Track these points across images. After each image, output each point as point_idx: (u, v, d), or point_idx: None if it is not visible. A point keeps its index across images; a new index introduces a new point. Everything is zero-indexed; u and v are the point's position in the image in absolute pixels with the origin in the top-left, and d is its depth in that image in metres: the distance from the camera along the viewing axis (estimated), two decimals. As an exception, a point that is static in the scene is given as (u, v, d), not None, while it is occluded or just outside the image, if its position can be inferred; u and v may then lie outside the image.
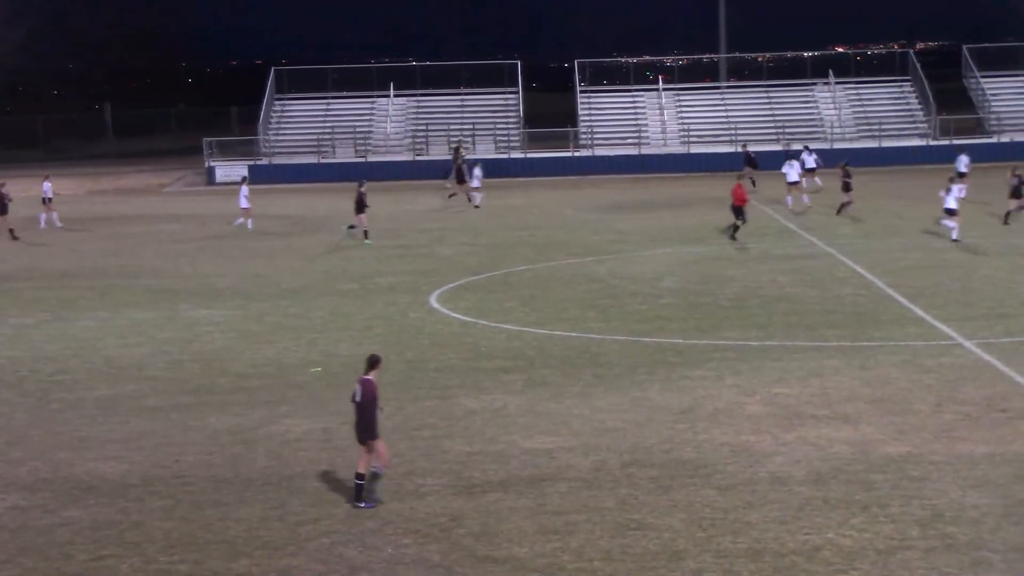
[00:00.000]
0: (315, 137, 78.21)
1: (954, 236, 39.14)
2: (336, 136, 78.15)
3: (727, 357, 24.63)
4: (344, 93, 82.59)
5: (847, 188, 46.59)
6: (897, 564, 14.29)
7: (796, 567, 14.29)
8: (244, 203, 48.38)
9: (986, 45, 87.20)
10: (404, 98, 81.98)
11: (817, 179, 56.36)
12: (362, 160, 76.16)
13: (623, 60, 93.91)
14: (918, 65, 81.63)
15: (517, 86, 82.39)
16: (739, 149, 63.93)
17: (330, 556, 15.00)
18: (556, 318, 29.23)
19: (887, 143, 74.47)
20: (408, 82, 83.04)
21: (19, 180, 78.10)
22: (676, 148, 76.17)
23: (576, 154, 76.20)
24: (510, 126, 79.52)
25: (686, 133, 77.35)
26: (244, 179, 51.16)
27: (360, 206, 43.22)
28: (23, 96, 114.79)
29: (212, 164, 76.31)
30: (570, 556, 14.77)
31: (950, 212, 39.42)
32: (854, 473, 17.36)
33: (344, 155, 77.19)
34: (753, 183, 57.79)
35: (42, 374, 25.04)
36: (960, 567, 14.18)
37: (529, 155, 76.07)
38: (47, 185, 51.71)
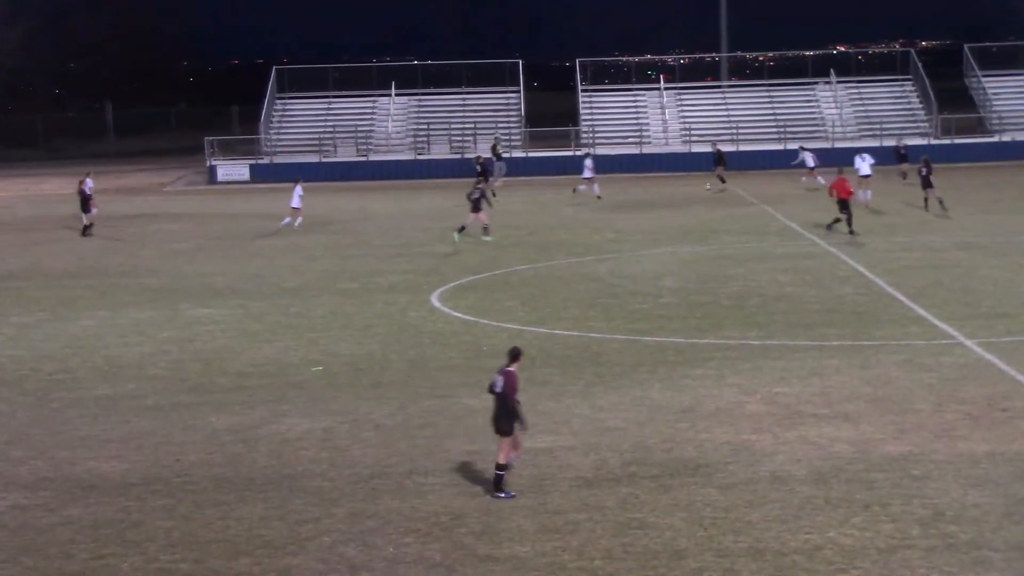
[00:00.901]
0: (316, 136, 78.22)
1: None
2: (337, 135, 78.16)
3: (728, 356, 24.62)
4: (345, 92, 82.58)
5: (928, 184, 46.52)
6: (898, 563, 14.28)
7: (797, 566, 14.27)
8: (296, 202, 47.68)
9: (987, 44, 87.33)
10: (405, 97, 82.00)
11: (819, 178, 56.37)
12: (363, 159, 76.22)
13: (624, 59, 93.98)
14: (919, 64, 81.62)
15: (518, 85, 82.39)
16: (711, 148, 63.86)
17: (331, 555, 14.99)
18: (557, 317, 29.22)
19: (888, 142, 74.41)
20: (409, 81, 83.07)
21: (19, 180, 78.26)
22: (677, 147, 76.17)
23: (577, 153, 76.16)
24: (511, 125, 79.51)
25: (687, 132, 77.35)
26: (298, 179, 50.88)
27: (476, 205, 42.67)
28: (23, 96, 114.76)
29: (213, 163, 76.32)
30: (571, 555, 14.76)
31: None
32: (855, 472, 17.34)
33: (345, 154, 77.24)
34: (722, 180, 58.11)
35: (42, 373, 25.03)
36: (961, 566, 14.16)
37: (530, 154, 76.05)
38: (89, 183, 51.97)
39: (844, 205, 41.12)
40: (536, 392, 22.23)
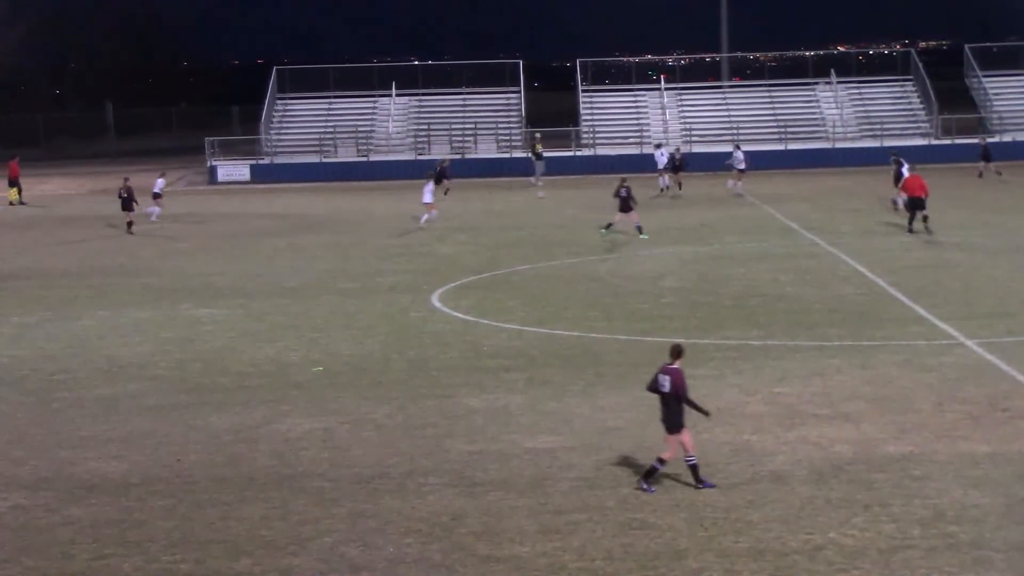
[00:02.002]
0: (317, 136, 78.23)
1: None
2: (338, 135, 78.17)
3: (729, 356, 24.62)
4: (346, 92, 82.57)
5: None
6: (899, 563, 14.28)
7: (798, 566, 14.27)
8: (428, 198, 47.41)
9: (988, 44, 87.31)
10: (406, 97, 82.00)
11: (738, 183, 56.30)
12: (364, 160, 76.23)
13: (625, 59, 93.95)
14: (920, 64, 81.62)
15: (519, 85, 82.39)
16: (673, 151, 63.69)
17: (332, 555, 14.99)
18: (558, 317, 29.22)
19: (889, 142, 74.41)
20: (410, 81, 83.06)
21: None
22: (678, 146, 76.10)
23: (578, 153, 76.21)
24: (512, 125, 79.50)
25: (688, 132, 77.35)
26: (430, 174, 50.78)
27: (625, 204, 42.48)
28: (23, 96, 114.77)
29: (214, 163, 76.33)
30: (572, 555, 14.76)
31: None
32: (856, 472, 17.34)
33: (346, 154, 77.24)
34: (680, 186, 58.06)
35: (43, 373, 25.03)
36: (962, 566, 14.16)
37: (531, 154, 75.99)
38: (160, 181, 52.18)
39: (916, 204, 40.89)
40: (537, 392, 22.25)
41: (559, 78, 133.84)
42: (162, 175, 53.97)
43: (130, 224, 48.60)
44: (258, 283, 35.63)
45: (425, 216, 47.65)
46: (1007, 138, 75.17)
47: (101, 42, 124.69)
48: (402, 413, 21.12)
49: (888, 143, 73.69)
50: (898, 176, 46.76)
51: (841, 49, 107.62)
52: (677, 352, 17.09)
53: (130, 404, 22.35)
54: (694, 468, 16.87)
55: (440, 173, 57.99)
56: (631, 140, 77.60)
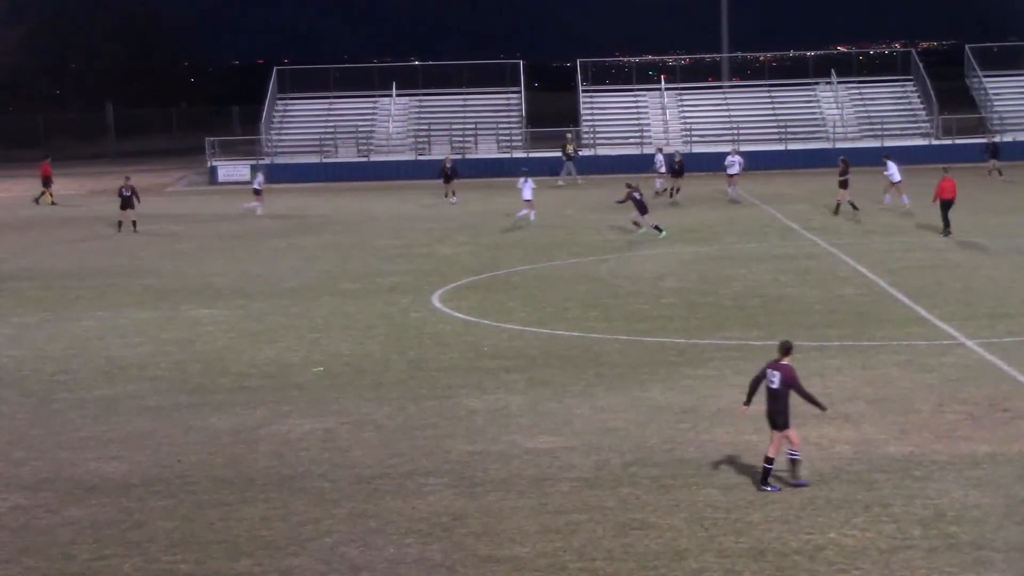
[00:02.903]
0: (317, 137, 78.22)
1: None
2: (338, 136, 78.16)
3: (729, 357, 24.62)
4: (346, 93, 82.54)
5: (844, 186, 46.75)
6: (899, 564, 14.29)
7: (798, 567, 14.28)
8: (528, 195, 47.37)
9: (989, 44, 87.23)
10: (406, 98, 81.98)
11: (734, 187, 56.04)
12: (364, 160, 76.21)
13: (625, 59, 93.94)
14: (920, 64, 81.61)
15: (519, 86, 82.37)
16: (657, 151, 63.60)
17: (332, 556, 14.99)
18: (558, 318, 29.22)
19: (889, 142, 74.40)
20: (410, 82, 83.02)
21: (20, 180, 78.20)
22: (679, 147, 76.02)
23: (578, 153, 76.13)
24: (512, 126, 79.50)
25: (688, 133, 77.35)
26: (525, 172, 50.72)
27: (641, 207, 42.49)
28: (23, 96, 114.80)
29: (214, 164, 76.31)
30: (572, 555, 14.76)
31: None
32: (856, 473, 17.35)
33: (346, 155, 77.21)
34: (677, 191, 57.62)
35: (44, 374, 25.03)
36: (962, 567, 14.17)
37: (531, 155, 76.04)
38: (260, 177, 52.92)
39: (947, 206, 40.61)
40: (537, 393, 22.25)
41: (559, 78, 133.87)
42: (261, 171, 53.96)
43: (134, 223, 48.60)
44: (258, 284, 35.64)
45: (523, 212, 47.47)
46: (1007, 138, 75.05)
47: (101, 42, 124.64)
48: (402, 414, 21.13)
49: (889, 143, 73.73)
50: (844, 176, 46.84)
51: (841, 49, 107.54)
52: (787, 349, 17.12)
53: (130, 405, 22.35)
54: (795, 463, 16.86)
55: (450, 173, 57.79)
56: (631, 140, 77.54)
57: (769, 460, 16.82)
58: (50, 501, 17.25)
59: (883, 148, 72.03)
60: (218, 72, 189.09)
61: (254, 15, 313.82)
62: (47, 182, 63.33)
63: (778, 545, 14.88)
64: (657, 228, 42.51)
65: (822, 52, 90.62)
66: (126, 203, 48.77)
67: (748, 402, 17.24)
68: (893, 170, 48.09)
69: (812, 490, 16.69)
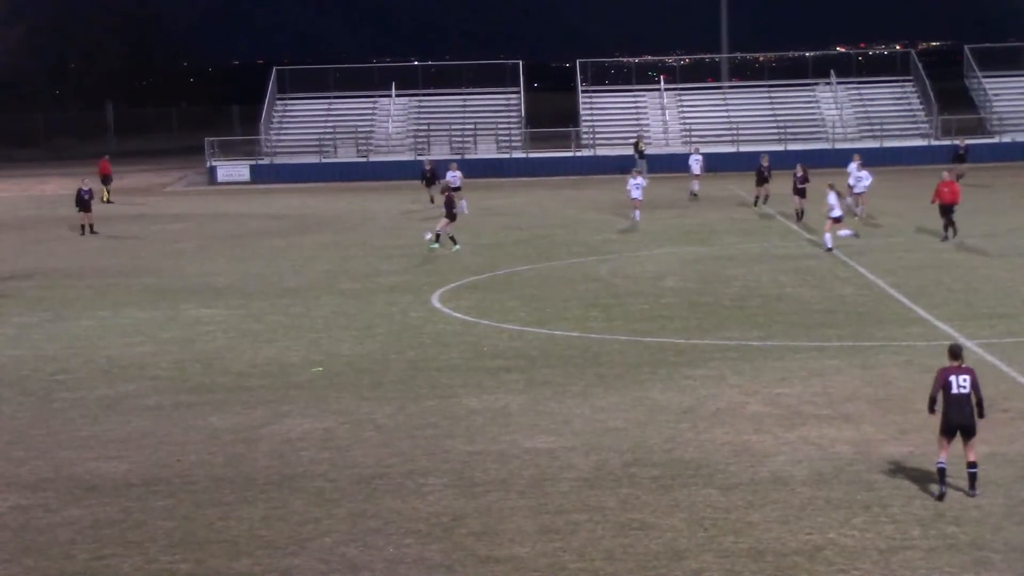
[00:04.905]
0: (317, 137, 78.25)
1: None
2: (338, 136, 78.18)
3: (729, 357, 24.62)
4: (346, 93, 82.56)
5: (801, 193, 45.67)
6: (899, 564, 14.29)
7: (798, 567, 14.28)
8: (637, 193, 46.72)
9: (988, 45, 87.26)
10: (406, 98, 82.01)
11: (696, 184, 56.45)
12: (364, 160, 76.23)
13: (625, 60, 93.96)
14: (920, 65, 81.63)
15: (519, 86, 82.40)
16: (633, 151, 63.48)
17: (332, 556, 15.00)
18: (558, 318, 29.23)
19: (889, 143, 74.44)
20: (410, 82, 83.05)
21: (20, 180, 78.27)
22: (678, 148, 76.16)
23: (578, 154, 76.22)
24: (512, 126, 79.52)
25: (688, 133, 77.38)
26: (637, 171, 50.57)
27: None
28: (23, 96, 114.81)
29: (213, 164, 76.34)
30: (571, 556, 14.77)
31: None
32: (856, 473, 17.36)
33: (346, 155, 77.24)
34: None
35: (44, 373, 25.04)
36: (962, 567, 14.17)
37: (531, 155, 76.10)
38: (455, 174, 52.89)
39: (947, 210, 39.66)
40: (537, 392, 22.26)
41: (559, 78, 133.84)
42: (455, 168, 53.78)
43: (91, 226, 48.71)
44: (258, 283, 35.64)
45: (636, 212, 46.82)
46: (1007, 139, 75.20)
47: (101, 42, 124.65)
48: (402, 413, 21.14)
49: (888, 144, 73.79)
50: (800, 187, 45.71)
51: (841, 50, 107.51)
52: (959, 352, 16.62)
53: (130, 404, 22.36)
54: (976, 475, 16.42)
55: (430, 176, 56.88)
56: (631, 140, 77.54)
57: (973, 464, 16.29)
58: (50, 501, 17.26)
59: (882, 149, 72.27)
60: (218, 72, 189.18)
61: (254, 15, 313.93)
62: (106, 180, 63.71)
63: (777, 545, 14.89)
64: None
65: (821, 52, 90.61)
66: (85, 206, 48.74)
67: (933, 410, 16.55)
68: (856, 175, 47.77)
69: (812, 490, 16.69)
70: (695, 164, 57.60)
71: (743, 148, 73.29)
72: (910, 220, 45.43)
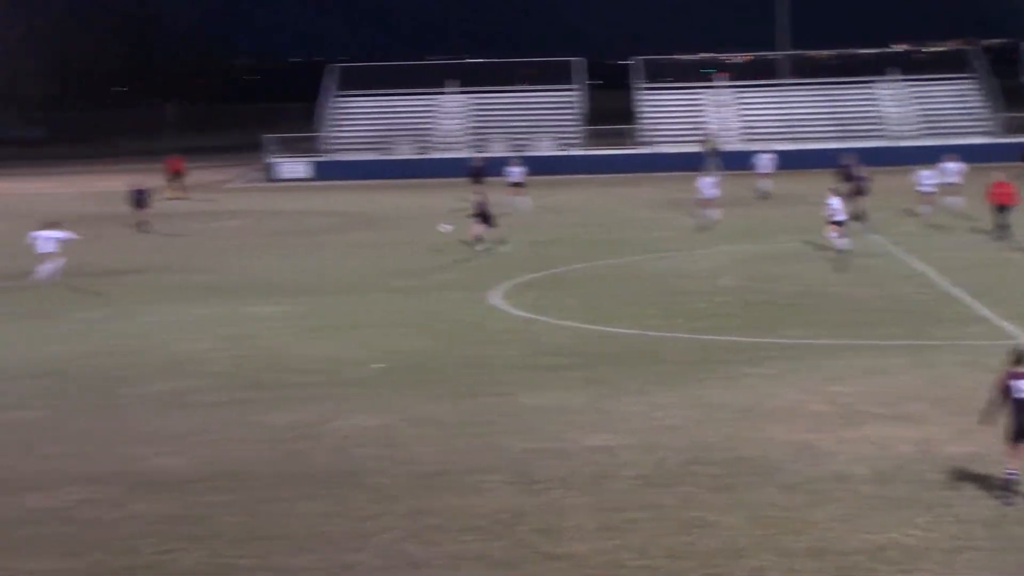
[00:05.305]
0: (375, 134, 78.47)
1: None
2: (396, 133, 78.36)
3: (787, 355, 24.52)
4: (403, 90, 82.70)
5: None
6: (963, 564, 14.19)
7: (859, 566, 14.21)
8: (710, 192, 45.89)
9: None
10: (464, 95, 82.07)
11: (766, 183, 56.18)
12: (422, 157, 76.36)
13: (683, 57, 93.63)
14: (982, 62, 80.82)
15: (578, 83, 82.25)
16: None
17: (392, 551, 15.07)
18: (615, 315, 29.21)
19: (950, 141, 73.71)
20: (468, 79, 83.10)
21: (80, 177, 78.95)
22: (737, 145, 75.78)
23: (636, 151, 76.03)
24: (571, 123, 79.39)
25: (747, 130, 77.03)
26: (708, 171, 50.78)
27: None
28: (89, 93, 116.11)
29: (272, 160, 76.72)
30: (631, 553, 14.77)
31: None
32: (918, 472, 17.24)
33: (404, 152, 77.41)
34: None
35: (107, 369, 25.29)
36: (1026, 568, 14.07)
37: (589, 152, 75.98)
38: (766, 161, 55.05)
39: (1002, 210, 39.09)
40: (595, 390, 22.26)
41: (615, 76, 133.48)
42: (516, 164, 53.72)
43: (146, 223, 49.03)
44: (315, 280, 35.83)
45: (712, 212, 45.86)
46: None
47: (162, 42, 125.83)
48: (460, 410, 21.19)
49: (950, 142, 73.05)
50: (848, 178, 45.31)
51: (901, 47, 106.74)
52: (1021, 357, 16.26)
53: (191, 400, 22.55)
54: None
55: (477, 172, 56.93)
56: (689, 138, 77.26)
57: (1013, 472, 16.07)
58: (115, 495, 17.44)
59: (943, 146, 71.51)
60: (276, 69, 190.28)
61: (313, 14, 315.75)
62: (176, 176, 64.57)
63: (838, 544, 14.82)
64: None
65: (881, 50, 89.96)
66: (140, 204, 49.12)
67: (989, 420, 16.33)
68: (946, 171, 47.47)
69: (873, 489, 16.60)
70: (767, 162, 57.37)
71: (802, 146, 72.81)
72: (972, 218, 44.98)
